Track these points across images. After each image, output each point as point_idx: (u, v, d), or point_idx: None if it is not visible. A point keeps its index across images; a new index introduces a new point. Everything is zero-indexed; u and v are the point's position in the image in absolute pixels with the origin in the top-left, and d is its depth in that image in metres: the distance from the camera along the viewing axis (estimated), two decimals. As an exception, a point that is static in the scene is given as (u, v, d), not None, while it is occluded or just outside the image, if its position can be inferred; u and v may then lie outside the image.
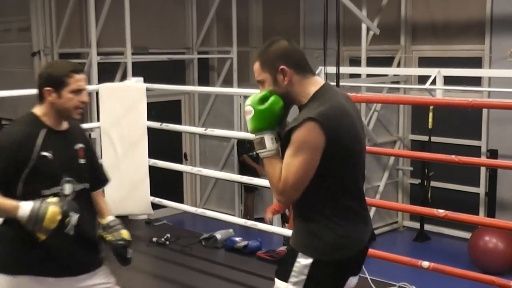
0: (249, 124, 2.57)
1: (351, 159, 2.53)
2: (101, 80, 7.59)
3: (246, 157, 9.82)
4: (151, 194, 5.66)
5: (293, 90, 2.54)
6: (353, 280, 2.68)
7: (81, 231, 2.89)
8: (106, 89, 5.72)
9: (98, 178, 3.21)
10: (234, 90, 9.00)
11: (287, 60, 2.52)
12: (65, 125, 2.98)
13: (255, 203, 10.06)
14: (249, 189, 9.75)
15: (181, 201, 9.39)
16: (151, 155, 5.62)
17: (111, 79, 8.24)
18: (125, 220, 6.09)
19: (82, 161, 3.00)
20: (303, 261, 2.50)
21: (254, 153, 9.76)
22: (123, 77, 8.41)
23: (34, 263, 2.86)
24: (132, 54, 8.69)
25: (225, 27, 10.30)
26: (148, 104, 5.64)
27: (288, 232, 5.66)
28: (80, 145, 3.01)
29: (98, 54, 8.40)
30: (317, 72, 8.69)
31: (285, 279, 2.52)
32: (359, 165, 2.61)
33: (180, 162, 9.87)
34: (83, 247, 2.98)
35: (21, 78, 8.51)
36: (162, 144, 6.97)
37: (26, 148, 2.78)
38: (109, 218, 3.16)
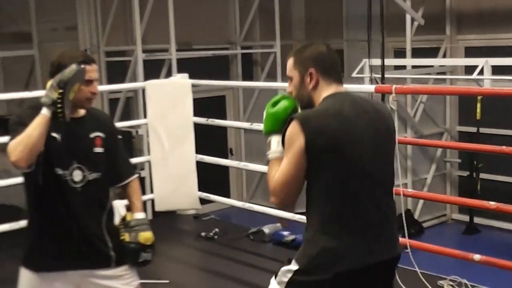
0: (263, 126, 2.70)
1: (342, 168, 2.39)
2: (147, 77, 7.68)
3: None
4: (198, 190, 5.72)
5: (315, 94, 2.56)
6: None
7: (88, 220, 2.92)
8: (152, 86, 5.79)
9: (120, 169, 3.14)
10: (278, 84, 8.99)
11: (319, 65, 2.55)
12: (81, 112, 2.96)
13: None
14: None
15: (227, 195, 9.44)
16: (198, 150, 5.67)
17: (156, 76, 8.33)
18: (173, 215, 6.22)
19: (98, 150, 2.96)
20: (290, 266, 2.48)
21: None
22: (168, 74, 8.48)
23: (49, 260, 2.90)
24: (177, 50, 8.76)
25: (268, 21, 10.29)
26: (194, 99, 5.68)
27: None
28: (97, 134, 2.98)
29: (143, 51, 8.48)
30: (361, 65, 8.70)
31: (275, 275, 2.56)
32: (361, 176, 2.42)
33: (226, 157, 9.93)
34: (90, 239, 2.93)
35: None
36: (208, 140, 7.02)
37: None
38: (136, 216, 3.08)
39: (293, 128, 2.40)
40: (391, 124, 2.64)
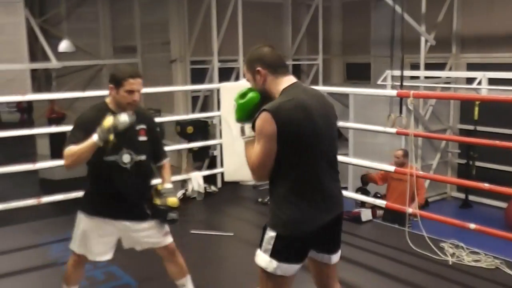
0: (234, 115, 2.44)
1: (304, 148, 2.29)
2: (220, 80, 7.73)
3: None
4: (257, 166, 5.71)
5: (268, 87, 2.38)
6: (325, 256, 2.47)
7: (134, 189, 2.94)
8: (225, 87, 5.81)
9: (158, 153, 3.10)
10: (319, 87, 8.89)
11: (262, 62, 2.37)
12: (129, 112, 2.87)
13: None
14: None
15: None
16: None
17: (228, 79, 8.37)
18: (237, 185, 6.23)
19: (142, 138, 2.95)
20: (269, 234, 2.34)
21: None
22: (237, 78, 8.51)
23: (102, 209, 2.95)
24: (244, 61, 8.76)
25: (313, 40, 10.21)
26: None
27: (358, 196, 5.55)
28: (142, 126, 2.95)
29: (219, 61, 8.54)
30: (384, 75, 8.49)
31: (259, 247, 2.39)
32: (318, 154, 2.33)
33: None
34: (134, 201, 2.98)
35: (162, 79, 8.78)
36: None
37: (94, 126, 2.73)
38: (165, 186, 3.05)
39: (266, 119, 2.24)
40: (334, 111, 2.49)
